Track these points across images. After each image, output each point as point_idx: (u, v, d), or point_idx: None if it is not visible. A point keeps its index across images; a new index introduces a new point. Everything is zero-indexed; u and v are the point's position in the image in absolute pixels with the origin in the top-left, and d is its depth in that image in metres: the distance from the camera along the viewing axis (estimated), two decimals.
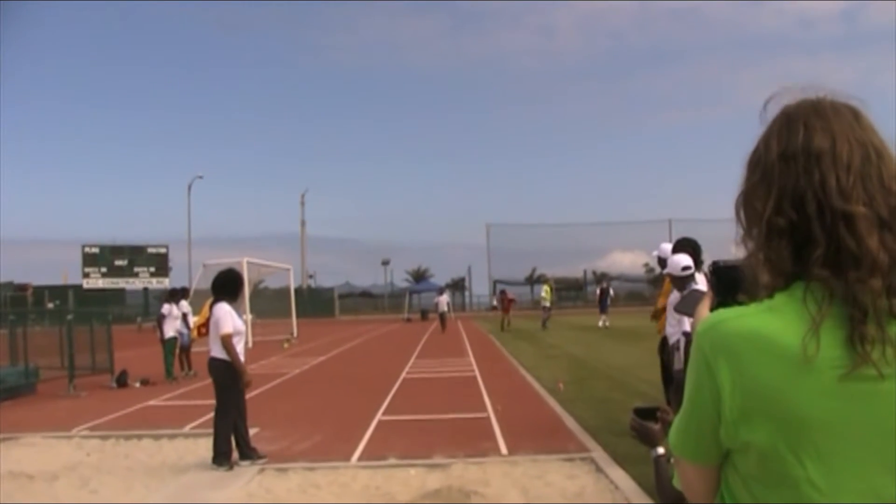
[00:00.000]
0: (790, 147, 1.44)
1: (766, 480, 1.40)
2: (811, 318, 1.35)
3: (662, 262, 9.27)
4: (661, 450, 3.23)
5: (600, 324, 36.63)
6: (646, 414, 3.14)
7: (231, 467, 8.89)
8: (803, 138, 1.43)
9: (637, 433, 3.19)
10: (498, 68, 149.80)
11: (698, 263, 7.97)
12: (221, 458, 8.93)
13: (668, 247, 9.27)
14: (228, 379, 9.12)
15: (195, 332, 10.03)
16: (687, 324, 10.75)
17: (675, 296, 7.85)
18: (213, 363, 9.22)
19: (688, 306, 2.02)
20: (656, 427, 3.17)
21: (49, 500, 7.81)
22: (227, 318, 9.14)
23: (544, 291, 40.29)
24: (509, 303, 41.08)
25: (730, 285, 1.79)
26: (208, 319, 9.67)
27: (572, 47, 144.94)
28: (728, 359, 1.39)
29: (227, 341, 9.07)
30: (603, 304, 38.88)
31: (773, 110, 1.53)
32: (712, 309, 1.78)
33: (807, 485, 1.35)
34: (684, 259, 7.75)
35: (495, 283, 78.53)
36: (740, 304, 1.68)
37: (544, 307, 39.16)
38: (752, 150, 1.53)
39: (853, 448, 1.35)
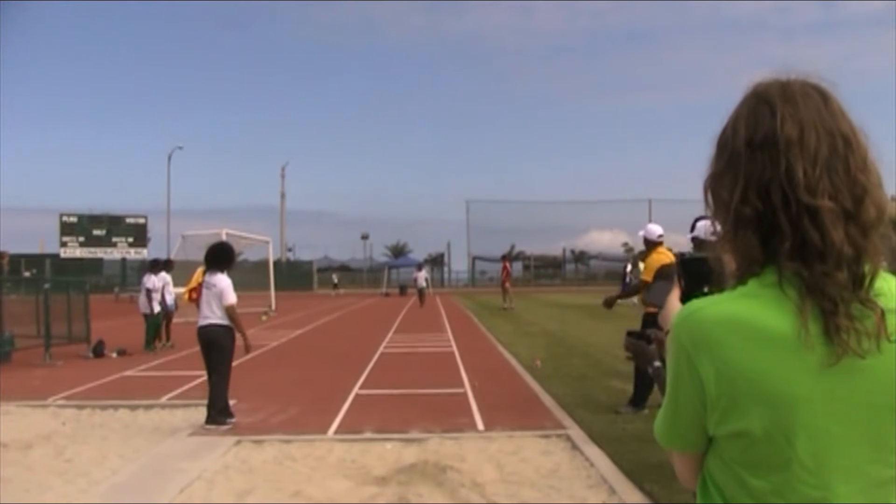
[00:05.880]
0: (757, 134, 1.42)
1: (755, 464, 1.39)
2: (791, 302, 1.35)
3: (648, 242, 9.59)
4: (657, 363, 3.28)
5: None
6: (638, 337, 3.20)
7: (233, 416, 9.63)
8: (771, 126, 1.41)
9: (633, 352, 3.25)
10: (476, 45, 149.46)
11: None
12: (224, 413, 9.54)
13: (654, 227, 9.66)
14: (230, 343, 9.66)
15: (186, 296, 10.33)
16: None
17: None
18: (213, 329, 9.58)
19: (657, 296, 2.03)
20: (650, 346, 3.22)
21: (23, 469, 7.78)
22: (231, 288, 9.64)
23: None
24: (506, 275, 37.66)
25: (697, 277, 1.80)
26: (200, 285, 10.01)
27: (551, 26, 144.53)
28: (709, 347, 1.38)
29: (233, 311, 9.61)
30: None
31: (744, 90, 1.51)
32: (681, 300, 1.79)
33: (797, 465, 1.35)
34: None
35: (474, 259, 78.69)
36: (705, 294, 1.69)
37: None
38: (720, 129, 1.51)
39: (838, 425, 1.35)
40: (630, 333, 2.74)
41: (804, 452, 1.35)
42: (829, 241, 1.35)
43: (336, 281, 65.08)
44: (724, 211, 1.46)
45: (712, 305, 1.42)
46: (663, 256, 9.10)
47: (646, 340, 2.87)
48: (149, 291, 18.94)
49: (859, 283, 1.36)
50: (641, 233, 9.94)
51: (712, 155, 1.51)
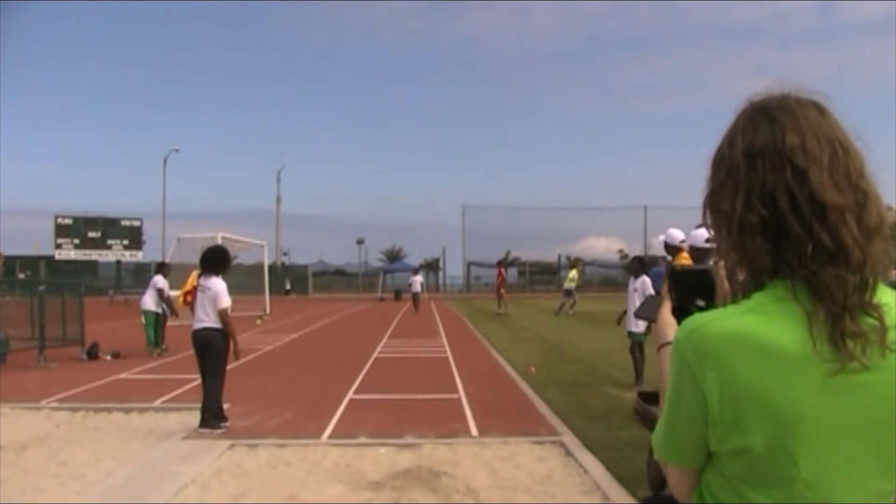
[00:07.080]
0: (756, 143, 1.42)
1: (757, 481, 1.39)
2: (802, 315, 1.35)
3: (669, 248, 9.37)
4: None
5: None
6: (649, 398, 3.16)
7: (227, 420, 9.65)
8: (771, 134, 1.42)
9: (640, 416, 3.23)
10: (472, 48, 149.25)
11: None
12: (217, 419, 9.55)
13: (675, 232, 9.45)
14: (224, 346, 9.69)
15: (181, 300, 10.43)
16: (640, 327, 11.00)
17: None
18: (208, 332, 9.63)
19: (649, 311, 2.03)
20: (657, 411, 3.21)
21: (18, 471, 7.77)
22: (226, 292, 9.68)
23: (570, 274, 37.20)
24: (501, 281, 37.71)
25: (687, 289, 1.80)
26: (195, 288, 10.03)
27: (548, 30, 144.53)
28: (713, 363, 1.37)
29: (226, 314, 9.65)
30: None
31: (738, 106, 1.52)
32: (672, 313, 1.80)
33: (799, 482, 1.36)
34: (705, 232, 7.63)
35: (469, 264, 78.64)
36: (699, 308, 1.69)
37: (567, 290, 36.24)
38: (715, 148, 1.51)
39: (842, 442, 1.35)
40: (641, 395, 2.69)
41: (807, 469, 1.35)
42: (841, 242, 1.35)
43: (288, 287, 66.12)
44: (726, 222, 1.45)
45: (718, 320, 1.40)
46: (685, 263, 8.69)
47: (656, 403, 2.82)
48: (160, 291, 18.91)
49: (864, 289, 1.36)
50: (662, 237, 9.57)
51: (709, 173, 1.51)
